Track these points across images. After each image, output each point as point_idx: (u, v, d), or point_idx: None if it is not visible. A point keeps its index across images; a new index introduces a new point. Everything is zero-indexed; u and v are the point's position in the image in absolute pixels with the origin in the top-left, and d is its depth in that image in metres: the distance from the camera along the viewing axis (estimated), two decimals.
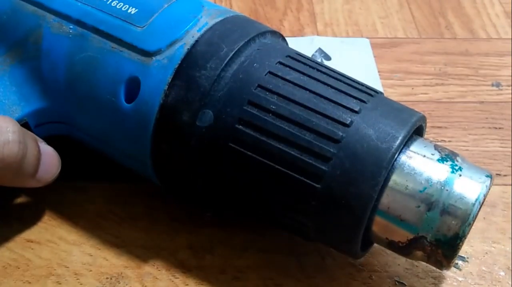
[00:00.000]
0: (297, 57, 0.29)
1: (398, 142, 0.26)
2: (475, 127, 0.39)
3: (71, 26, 0.30)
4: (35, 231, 0.32)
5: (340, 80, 0.28)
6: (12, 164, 0.28)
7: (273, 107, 0.27)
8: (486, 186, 0.27)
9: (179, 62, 0.28)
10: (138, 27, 0.29)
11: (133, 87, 0.29)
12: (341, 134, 0.26)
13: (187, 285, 0.31)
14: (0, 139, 0.27)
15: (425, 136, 0.30)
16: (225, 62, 0.28)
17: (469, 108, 0.41)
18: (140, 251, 0.32)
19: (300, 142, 0.27)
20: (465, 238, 0.26)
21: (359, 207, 0.26)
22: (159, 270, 0.31)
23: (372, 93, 0.28)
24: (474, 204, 0.26)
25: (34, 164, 0.29)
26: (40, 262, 0.31)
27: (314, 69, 0.29)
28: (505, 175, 0.37)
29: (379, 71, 0.43)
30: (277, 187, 0.27)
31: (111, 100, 0.29)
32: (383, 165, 0.26)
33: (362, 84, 0.29)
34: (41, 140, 0.30)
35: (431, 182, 0.26)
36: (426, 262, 0.28)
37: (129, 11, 0.30)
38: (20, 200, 0.33)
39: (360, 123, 0.27)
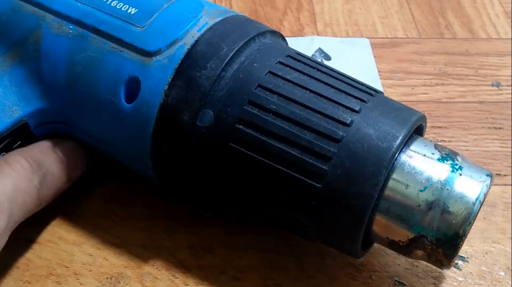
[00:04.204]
0: (297, 57, 0.29)
1: (398, 141, 0.26)
2: (475, 127, 0.39)
3: (71, 26, 0.30)
4: (35, 231, 0.32)
5: (340, 80, 0.28)
6: None
7: (274, 106, 0.27)
8: (487, 185, 0.27)
9: (179, 62, 0.28)
10: (138, 27, 0.29)
11: (133, 87, 0.29)
12: (341, 133, 0.26)
13: (187, 285, 0.31)
14: None
15: (425, 136, 0.30)
16: (225, 62, 0.28)
17: (469, 108, 0.41)
18: (140, 251, 0.32)
19: (300, 141, 0.27)
20: (466, 237, 0.26)
21: (359, 206, 0.26)
22: (159, 270, 0.31)
23: (372, 92, 0.28)
24: (474, 203, 0.26)
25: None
26: (40, 262, 0.31)
27: (314, 68, 0.29)
28: (505, 175, 0.37)
29: (379, 71, 0.43)
30: (277, 187, 0.27)
31: (111, 100, 0.29)
32: (383, 165, 0.26)
33: (362, 84, 0.29)
34: (58, 141, 0.31)
35: (432, 181, 0.26)
36: (427, 261, 0.28)
37: (129, 11, 0.30)
38: None
39: (360, 122, 0.27)
